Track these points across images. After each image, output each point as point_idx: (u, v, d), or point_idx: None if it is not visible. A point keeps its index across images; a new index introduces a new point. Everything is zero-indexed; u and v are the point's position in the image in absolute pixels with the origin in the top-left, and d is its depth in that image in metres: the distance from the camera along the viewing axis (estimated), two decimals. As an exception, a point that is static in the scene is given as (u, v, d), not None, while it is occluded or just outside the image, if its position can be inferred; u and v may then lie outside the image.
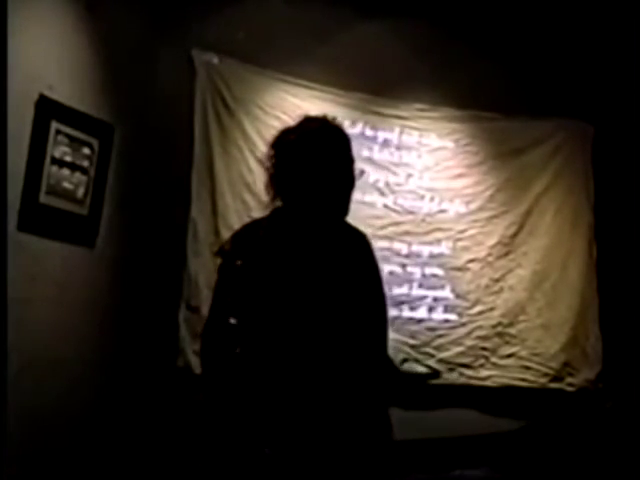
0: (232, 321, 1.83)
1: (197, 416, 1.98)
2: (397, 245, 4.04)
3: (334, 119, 1.99)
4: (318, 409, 1.76)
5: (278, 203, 1.94)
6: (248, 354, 1.82)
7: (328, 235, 1.90)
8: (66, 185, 2.95)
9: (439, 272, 4.09)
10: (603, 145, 4.37)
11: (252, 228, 1.95)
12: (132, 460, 3.32)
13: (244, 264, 1.84)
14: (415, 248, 4.06)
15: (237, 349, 1.82)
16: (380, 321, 1.91)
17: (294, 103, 3.91)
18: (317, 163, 1.88)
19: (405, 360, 3.92)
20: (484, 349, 4.06)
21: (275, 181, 1.93)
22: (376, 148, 4.08)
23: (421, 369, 3.95)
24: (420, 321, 4.01)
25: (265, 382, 1.77)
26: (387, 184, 4.07)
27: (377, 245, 3.98)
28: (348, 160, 1.97)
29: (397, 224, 4.05)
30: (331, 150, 1.92)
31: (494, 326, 4.10)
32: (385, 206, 4.06)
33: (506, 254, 4.19)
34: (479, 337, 4.07)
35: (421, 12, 4.08)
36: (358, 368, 1.81)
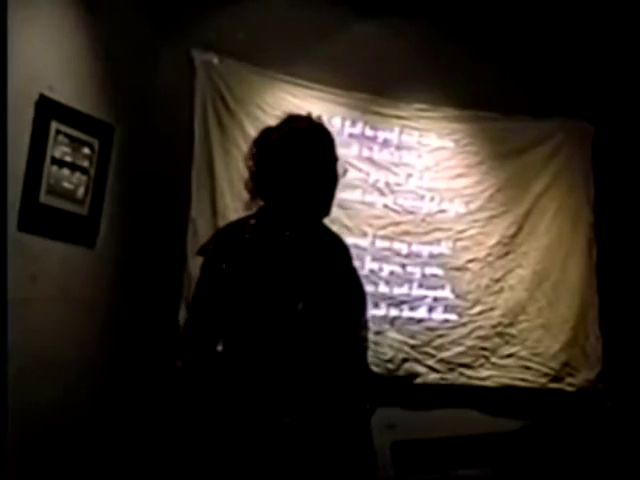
0: (219, 347, 1.84)
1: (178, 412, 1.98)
2: (397, 245, 4.04)
3: (318, 117, 1.98)
4: (297, 413, 1.76)
5: (259, 203, 1.94)
6: (230, 355, 1.83)
7: (308, 237, 1.90)
8: (66, 185, 2.95)
9: (439, 272, 4.09)
10: (603, 145, 4.36)
11: (236, 228, 1.93)
12: (132, 460, 3.32)
13: (228, 265, 1.83)
14: (415, 248, 4.06)
15: (217, 349, 1.84)
16: (356, 323, 1.93)
17: (294, 103, 3.91)
18: (299, 161, 1.87)
19: (405, 360, 3.92)
20: (484, 349, 4.06)
21: (256, 180, 1.93)
22: (376, 148, 4.08)
23: (421, 369, 3.95)
24: (420, 321, 4.01)
25: (245, 383, 1.77)
26: (387, 184, 4.07)
27: (377, 245, 3.99)
28: (331, 159, 1.94)
29: (397, 224, 4.05)
30: (314, 149, 1.90)
31: (494, 326, 4.10)
32: (385, 206, 4.06)
33: (506, 254, 4.19)
34: (479, 337, 4.07)
35: (421, 12, 4.08)
36: (337, 372, 1.82)
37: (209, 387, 1.83)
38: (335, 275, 1.89)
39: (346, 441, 1.80)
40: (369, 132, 4.06)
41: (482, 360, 4.06)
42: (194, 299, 1.93)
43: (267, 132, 1.96)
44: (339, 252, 1.97)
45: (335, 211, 3.82)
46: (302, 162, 1.87)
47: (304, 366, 1.78)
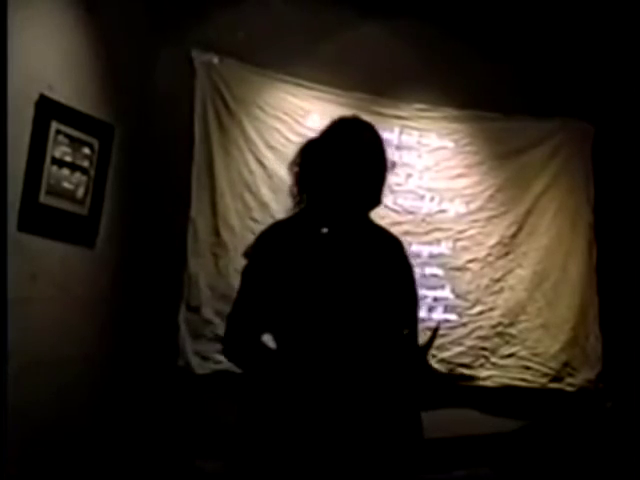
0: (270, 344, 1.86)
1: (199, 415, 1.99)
2: (397, 245, 4.04)
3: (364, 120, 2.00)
4: (349, 410, 1.76)
5: (302, 205, 1.94)
6: (283, 350, 1.84)
7: (358, 232, 1.90)
8: (66, 185, 2.95)
9: (439, 272, 4.09)
10: (603, 145, 4.36)
11: (279, 228, 1.96)
12: (132, 460, 3.32)
13: (272, 265, 1.85)
14: (415, 248, 4.06)
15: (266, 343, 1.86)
16: (412, 320, 1.95)
17: (294, 103, 3.91)
18: (347, 151, 1.88)
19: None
20: (484, 349, 4.06)
21: (302, 181, 1.94)
22: (376, 148, 4.07)
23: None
24: (420, 321, 4.00)
25: (296, 382, 1.78)
26: (387, 184, 4.06)
27: (377, 245, 3.99)
28: (378, 149, 1.94)
29: (397, 224, 4.04)
30: (359, 139, 1.91)
31: (494, 326, 4.10)
32: (385, 206, 4.03)
33: (506, 254, 4.19)
34: (479, 337, 4.07)
35: (421, 12, 4.08)
36: (391, 368, 1.83)
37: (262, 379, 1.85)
38: (383, 269, 1.88)
39: (398, 435, 1.82)
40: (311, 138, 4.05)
41: (482, 360, 4.06)
42: (240, 294, 1.92)
43: (312, 139, 1.99)
44: (388, 247, 1.96)
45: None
46: (350, 152, 1.88)
47: (356, 364, 1.78)
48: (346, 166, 1.87)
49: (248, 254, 1.95)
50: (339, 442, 1.74)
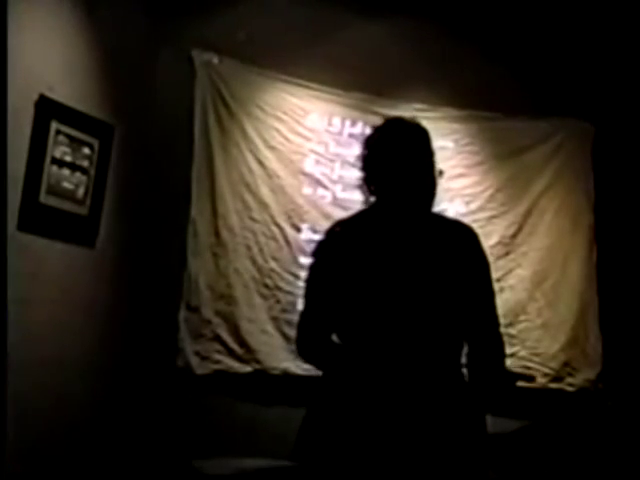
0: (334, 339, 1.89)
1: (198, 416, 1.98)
2: (397, 245, 4.03)
3: (413, 118, 2.12)
4: (417, 408, 1.76)
5: (371, 201, 1.97)
6: (346, 348, 1.86)
7: (425, 227, 1.92)
8: (66, 185, 2.95)
9: (439, 272, 4.09)
10: (603, 145, 4.36)
11: (344, 225, 1.99)
12: (132, 460, 3.32)
13: (339, 259, 1.88)
14: (415, 248, 4.06)
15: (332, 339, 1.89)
16: (489, 316, 1.90)
17: (294, 103, 3.91)
18: (398, 155, 1.94)
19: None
20: (484, 349, 4.06)
21: (366, 179, 1.98)
22: (376, 148, 4.07)
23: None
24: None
25: (363, 376, 1.79)
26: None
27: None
28: (428, 151, 2.02)
29: (397, 224, 4.05)
30: (412, 141, 1.99)
31: (494, 326, 4.09)
32: (385, 206, 4.05)
33: (506, 254, 4.18)
34: (479, 337, 4.06)
35: (421, 12, 4.08)
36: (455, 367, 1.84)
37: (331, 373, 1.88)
38: (452, 263, 1.85)
39: (463, 434, 1.80)
40: (369, 132, 4.05)
41: (482, 360, 4.05)
42: (307, 293, 1.97)
43: (372, 134, 2.08)
44: (459, 239, 1.93)
45: (335, 211, 3.86)
46: (401, 155, 1.94)
47: (427, 361, 1.79)
48: (400, 173, 1.92)
49: (314, 253, 1.99)
50: (406, 443, 1.74)
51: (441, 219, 2.00)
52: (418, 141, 2.00)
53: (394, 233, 1.87)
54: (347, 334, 1.87)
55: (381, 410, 1.75)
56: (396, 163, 1.93)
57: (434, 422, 1.75)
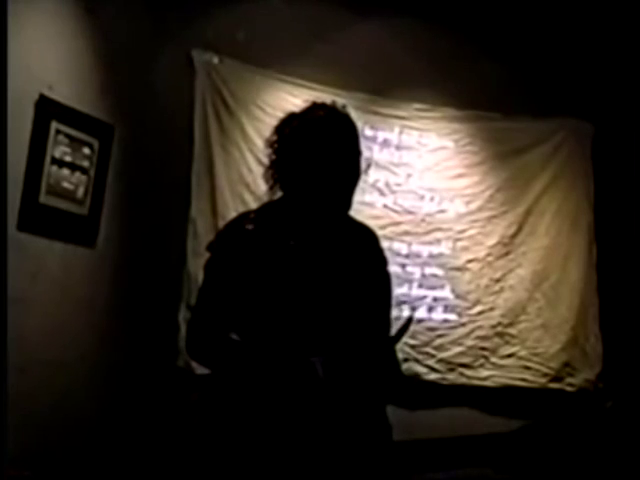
0: (234, 336, 1.77)
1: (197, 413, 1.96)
2: (397, 245, 4.03)
3: (343, 107, 1.90)
4: (317, 409, 1.72)
5: (277, 193, 1.84)
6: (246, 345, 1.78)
7: (330, 228, 1.83)
8: (66, 185, 2.95)
9: (439, 272, 4.09)
10: (603, 145, 4.36)
11: (242, 221, 1.86)
12: (132, 460, 3.32)
13: (235, 258, 1.79)
14: (415, 248, 4.06)
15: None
16: (384, 319, 1.90)
17: (294, 103, 3.87)
18: (317, 152, 1.76)
19: (405, 360, 3.92)
20: (484, 349, 4.06)
21: (276, 168, 1.83)
22: (376, 148, 4.07)
23: (421, 369, 3.95)
24: (420, 321, 4.00)
25: (259, 377, 1.72)
26: (387, 184, 4.07)
27: (377, 245, 3.99)
28: (353, 151, 1.84)
29: (397, 224, 4.05)
30: (337, 139, 1.80)
31: (494, 326, 4.10)
32: (385, 206, 4.05)
33: (506, 254, 4.19)
34: (479, 337, 4.06)
35: (421, 12, 4.08)
36: (359, 366, 1.76)
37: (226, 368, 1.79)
38: (353, 265, 1.82)
39: (368, 437, 1.76)
40: (369, 132, 4.06)
41: (482, 360, 4.05)
42: (202, 289, 1.86)
43: (289, 119, 1.85)
44: (360, 241, 1.88)
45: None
46: (321, 153, 1.76)
47: (325, 362, 1.72)
48: (316, 173, 1.76)
49: (211, 247, 1.88)
50: (308, 445, 1.70)
51: (346, 221, 1.89)
52: (342, 137, 1.81)
53: (303, 236, 1.78)
54: (246, 334, 1.77)
55: (278, 412, 1.70)
56: (312, 163, 1.76)
57: (333, 426, 1.72)
